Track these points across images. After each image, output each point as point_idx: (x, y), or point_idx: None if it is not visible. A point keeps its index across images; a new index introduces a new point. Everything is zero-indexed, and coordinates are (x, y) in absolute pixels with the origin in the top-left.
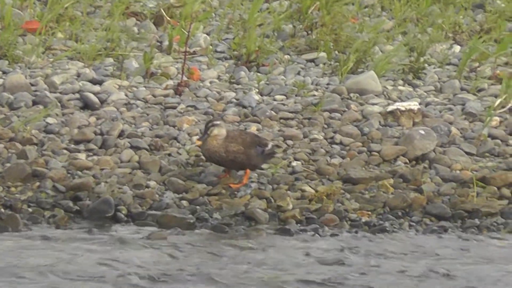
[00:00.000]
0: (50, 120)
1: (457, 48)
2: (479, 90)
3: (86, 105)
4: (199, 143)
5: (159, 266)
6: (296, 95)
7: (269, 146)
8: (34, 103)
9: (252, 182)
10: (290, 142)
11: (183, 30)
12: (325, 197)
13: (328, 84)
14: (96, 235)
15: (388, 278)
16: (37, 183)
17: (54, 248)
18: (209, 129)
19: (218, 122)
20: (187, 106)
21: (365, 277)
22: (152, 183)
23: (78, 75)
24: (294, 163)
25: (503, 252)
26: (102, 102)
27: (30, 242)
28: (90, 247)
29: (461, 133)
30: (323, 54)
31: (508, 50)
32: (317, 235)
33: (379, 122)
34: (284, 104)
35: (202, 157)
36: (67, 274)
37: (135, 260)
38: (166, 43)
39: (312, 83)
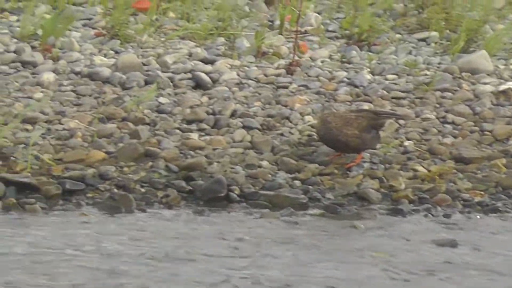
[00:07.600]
0: (162, 99)
1: None
2: None
3: (198, 85)
4: None
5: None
6: (407, 75)
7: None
8: (147, 82)
9: (364, 161)
10: (402, 121)
11: (294, 9)
12: (437, 177)
13: (439, 63)
14: (210, 215)
15: (503, 259)
16: (150, 163)
17: (170, 228)
18: None
19: None
20: (299, 86)
21: (479, 257)
22: (264, 163)
23: (190, 54)
24: (406, 143)
25: None
26: (214, 81)
27: (144, 223)
28: (204, 226)
29: None
30: (434, 33)
31: None
32: (429, 215)
33: (491, 101)
34: (395, 84)
35: (315, 136)
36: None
37: (247, 238)
38: (277, 22)
39: (423, 63)
